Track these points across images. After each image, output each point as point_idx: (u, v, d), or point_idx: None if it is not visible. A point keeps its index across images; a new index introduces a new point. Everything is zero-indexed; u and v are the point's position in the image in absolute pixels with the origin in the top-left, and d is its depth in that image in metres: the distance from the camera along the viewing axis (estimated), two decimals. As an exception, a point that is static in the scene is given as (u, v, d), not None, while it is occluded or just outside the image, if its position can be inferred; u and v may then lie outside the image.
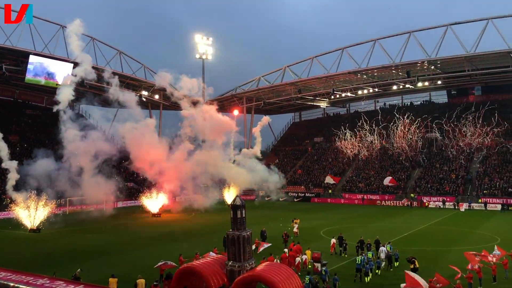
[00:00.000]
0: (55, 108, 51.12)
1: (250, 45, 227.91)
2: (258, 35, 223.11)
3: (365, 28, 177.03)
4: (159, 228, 44.46)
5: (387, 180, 65.62)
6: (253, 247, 24.32)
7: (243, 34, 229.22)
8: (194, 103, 62.31)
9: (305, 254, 26.62)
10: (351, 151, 73.94)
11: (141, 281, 20.30)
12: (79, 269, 21.61)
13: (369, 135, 74.28)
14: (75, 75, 52.72)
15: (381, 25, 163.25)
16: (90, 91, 61.97)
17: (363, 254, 25.49)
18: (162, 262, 22.98)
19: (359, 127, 75.00)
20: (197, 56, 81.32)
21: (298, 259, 25.78)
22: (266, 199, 68.86)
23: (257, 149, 70.82)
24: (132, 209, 59.21)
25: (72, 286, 15.86)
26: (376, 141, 73.42)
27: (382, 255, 26.51)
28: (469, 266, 22.19)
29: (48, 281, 16.32)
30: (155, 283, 19.98)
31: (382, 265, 25.72)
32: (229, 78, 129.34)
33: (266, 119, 74.43)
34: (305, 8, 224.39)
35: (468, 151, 64.88)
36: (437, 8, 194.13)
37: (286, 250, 27.25)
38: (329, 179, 71.43)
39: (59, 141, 52.06)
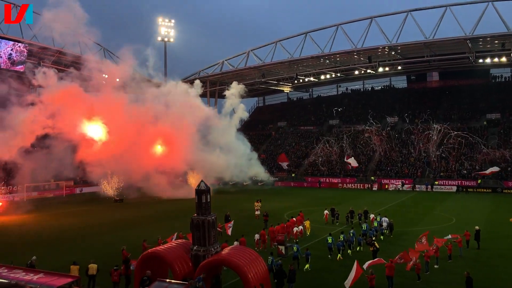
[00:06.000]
0: None
1: (213, 28, 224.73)
2: (220, 18, 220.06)
3: (327, 13, 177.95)
4: (121, 213, 43.75)
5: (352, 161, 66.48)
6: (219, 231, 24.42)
7: (205, 17, 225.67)
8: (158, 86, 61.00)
9: (302, 225, 30.48)
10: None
11: (92, 266, 20.11)
12: (34, 257, 21.01)
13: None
14: None
15: (343, 11, 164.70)
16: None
17: (366, 222, 31.04)
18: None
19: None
20: (159, 38, 79.64)
21: (296, 228, 28.87)
22: (231, 183, 68.73)
23: (236, 120, 67.62)
24: (93, 195, 57.88)
25: (32, 274, 15.45)
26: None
27: (384, 224, 30.56)
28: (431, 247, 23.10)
29: (6, 270, 15.85)
30: (115, 267, 19.81)
31: (384, 232, 30.02)
32: (191, 62, 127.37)
33: (236, 86, 65.80)
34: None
35: (426, 135, 66.69)
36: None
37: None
38: (283, 164, 72.14)
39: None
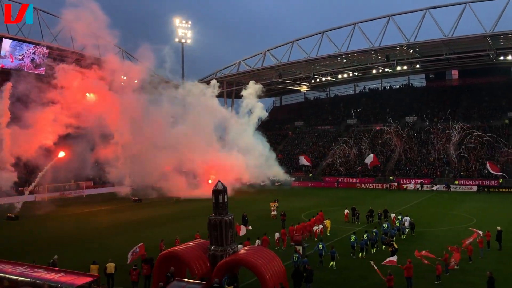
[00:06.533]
0: None
1: (229, 29, 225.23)
2: (236, 19, 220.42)
3: (344, 12, 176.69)
4: (139, 213, 44.19)
5: (369, 159, 65.96)
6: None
7: (221, 17, 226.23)
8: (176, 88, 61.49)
9: (322, 224, 30.89)
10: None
11: (110, 265, 20.39)
12: (55, 256, 21.36)
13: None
14: None
15: (360, 9, 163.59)
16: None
17: (386, 222, 30.90)
18: (131, 253, 22.42)
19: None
20: (176, 40, 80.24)
21: (315, 227, 29.44)
22: (248, 184, 68.46)
23: (254, 120, 66.91)
24: (111, 195, 58.55)
25: (53, 274, 15.73)
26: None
27: (406, 223, 30.63)
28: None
29: (28, 269, 16.17)
30: (134, 267, 20.00)
31: (406, 231, 30.12)
32: (208, 63, 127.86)
33: (253, 85, 65.45)
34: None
35: (445, 134, 65.74)
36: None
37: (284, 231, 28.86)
38: (303, 160, 71.82)
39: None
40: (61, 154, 46.67)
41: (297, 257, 22.03)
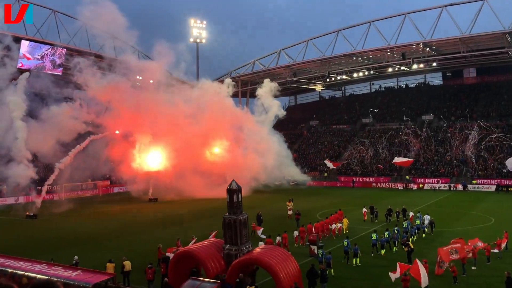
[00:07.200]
0: None
1: (244, 29, 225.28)
2: (250, 18, 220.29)
3: (359, 10, 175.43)
4: (155, 212, 44.55)
5: (400, 158, 64.87)
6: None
7: (235, 17, 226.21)
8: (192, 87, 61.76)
9: (340, 222, 31.26)
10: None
11: (127, 263, 20.63)
12: (76, 257, 21.59)
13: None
14: None
15: (376, 7, 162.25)
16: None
17: (407, 221, 30.54)
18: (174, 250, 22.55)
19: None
20: (191, 40, 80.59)
21: (333, 226, 30.01)
22: (262, 183, 68.33)
23: (271, 118, 66.43)
24: (128, 194, 59.05)
25: (70, 271, 15.96)
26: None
27: (426, 222, 30.61)
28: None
29: (46, 267, 16.41)
30: (149, 265, 20.17)
31: (426, 230, 30.09)
32: (223, 63, 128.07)
33: (268, 83, 65.14)
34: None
35: (462, 133, 64.84)
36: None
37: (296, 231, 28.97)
38: (328, 163, 71.21)
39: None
40: (117, 132, 47.76)
41: (321, 253, 22.39)
